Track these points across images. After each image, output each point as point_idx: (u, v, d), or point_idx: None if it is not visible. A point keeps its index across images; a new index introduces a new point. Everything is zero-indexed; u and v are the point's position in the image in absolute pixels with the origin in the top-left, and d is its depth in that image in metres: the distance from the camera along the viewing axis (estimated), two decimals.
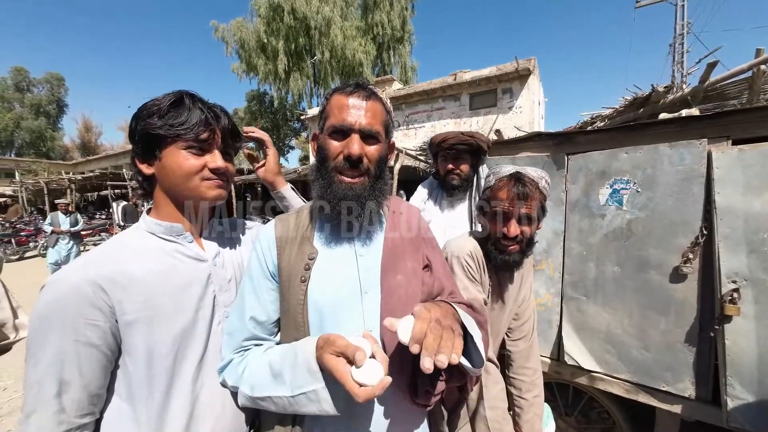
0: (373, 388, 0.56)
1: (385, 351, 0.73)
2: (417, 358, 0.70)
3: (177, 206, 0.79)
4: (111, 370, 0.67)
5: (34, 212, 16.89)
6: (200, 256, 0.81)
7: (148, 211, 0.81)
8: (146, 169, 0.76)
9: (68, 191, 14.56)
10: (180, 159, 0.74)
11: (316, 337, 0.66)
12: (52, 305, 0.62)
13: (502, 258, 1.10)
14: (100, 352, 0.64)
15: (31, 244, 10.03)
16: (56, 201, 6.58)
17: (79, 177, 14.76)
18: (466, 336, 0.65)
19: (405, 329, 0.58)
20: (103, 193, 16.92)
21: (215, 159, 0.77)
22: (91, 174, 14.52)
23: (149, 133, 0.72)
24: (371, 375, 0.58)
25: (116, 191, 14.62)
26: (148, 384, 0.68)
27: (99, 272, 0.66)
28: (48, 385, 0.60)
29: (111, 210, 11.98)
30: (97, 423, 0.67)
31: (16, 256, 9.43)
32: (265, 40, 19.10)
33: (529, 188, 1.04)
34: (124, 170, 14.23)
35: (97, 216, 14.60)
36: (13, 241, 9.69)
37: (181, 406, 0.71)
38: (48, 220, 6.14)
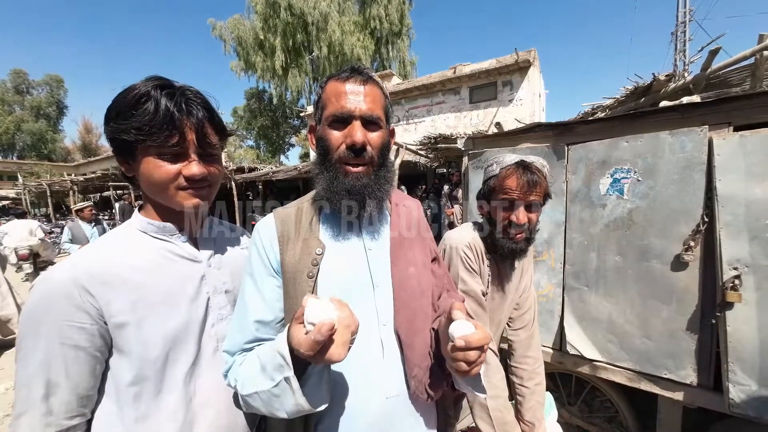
0: (319, 326, 0.51)
1: (401, 345, 0.73)
2: (435, 353, 0.72)
3: (162, 209, 0.74)
4: (101, 371, 0.66)
5: (38, 215, 16.99)
6: (194, 256, 0.78)
7: (140, 209, 0.78)
8: (126, 171, 0.72)
9: (71, 193, 14.63)
10: (151, 167, 0.66)
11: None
12: (38, 307, 0.61)
13: (509, 246, 1.09)
14: (87, 354, 0.62)
15: None
16: (75, 207, 4.84)
17: (81, 178, 14.81)
18: None
19: (463, 327, 0.61)
20: (106, 194, 16.99)
21: (190, 167, 0.68)
22: (93, 175, 14.54)
23: (116, 138, 0.65)
24: (321, 312, 0.53)
25: (118, 192, 14.67)
26: (138, 386, 0.66)
27: (87, 272, 0.63)
28: (36, 388, 0.60)
29: (113, 211, 12.04)
30: (89, 423, 0.66)
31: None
32: (263, 37, 18.99)
33: (537, 175, 1.04)
34: None
35: (100, 217, 14.68)
36: None
37: (174, 409, 0.69)
38: (67, 235, 4.35)
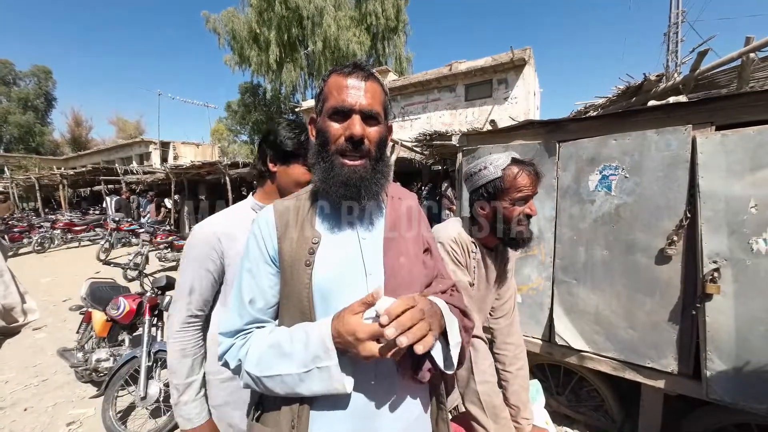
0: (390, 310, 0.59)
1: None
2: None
3: (267, 196, 1.11)
4: (216, 290, 1.05)
5: (26, 209, 16.67)
6: None
7: (254, 193, 1.16)
8: (272, 167, 1.09)
9: (60, 187, 14.38)
10: (298, 172, 1.07)
11: (330, 318, 0.68)
12: (194, 244, 1.02)
13: (528, 235, 1.16)
14: (211, 276, 1.02)
15: (25, 240, 9.91)
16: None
17: (71, 172, 14.56)
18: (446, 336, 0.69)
19: (385, 302, 0.62)
20: (96, 188, 16.73)
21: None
22: (83, 169, 14.32)
23: (284, 148, 1.06)
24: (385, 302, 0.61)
25: (109, 186, 14.45)
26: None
27: (221, 228, 1.03)
28: (185, 289, 1.02)
29: (104, 205, 11.87)
30: (207, 320, 1.07)
31: (11, 253, 9.34)
32: (257, 31, 18.73)
33: (536, 167, 1.14)
34: (116, 165, 14.05)
35: (91, 211, 14.44)
36: (6, 237, 9.58)
37: None
38: None
